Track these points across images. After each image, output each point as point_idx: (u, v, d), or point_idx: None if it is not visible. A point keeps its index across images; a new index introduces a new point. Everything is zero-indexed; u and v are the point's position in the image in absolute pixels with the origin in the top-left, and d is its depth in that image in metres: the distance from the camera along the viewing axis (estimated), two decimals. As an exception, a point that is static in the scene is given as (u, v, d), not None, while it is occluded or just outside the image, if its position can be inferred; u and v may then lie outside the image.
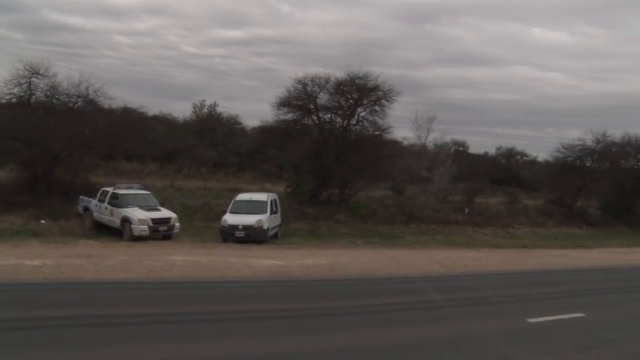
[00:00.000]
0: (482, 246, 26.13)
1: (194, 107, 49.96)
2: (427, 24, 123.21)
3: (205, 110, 49.45)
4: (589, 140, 40.12)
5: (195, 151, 41.60)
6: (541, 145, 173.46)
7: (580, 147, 40.43)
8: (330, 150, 30.22)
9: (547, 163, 46.72)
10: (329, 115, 31.66)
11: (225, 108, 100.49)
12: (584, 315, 11.89)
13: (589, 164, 41.28)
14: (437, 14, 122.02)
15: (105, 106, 27.65)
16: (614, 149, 40.86)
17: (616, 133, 41.77)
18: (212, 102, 49.99)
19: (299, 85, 30.22)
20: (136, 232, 20.55)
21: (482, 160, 58.23)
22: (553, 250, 26.34)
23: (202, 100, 49.68)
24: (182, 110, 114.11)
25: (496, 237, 30.32)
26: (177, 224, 21.99)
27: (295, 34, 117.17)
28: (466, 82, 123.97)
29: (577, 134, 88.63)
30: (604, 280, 17.92)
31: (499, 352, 8.75)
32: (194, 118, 49.49)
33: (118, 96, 29.13)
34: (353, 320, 10.38)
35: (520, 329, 10.40)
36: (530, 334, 10.11)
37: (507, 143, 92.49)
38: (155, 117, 49.00)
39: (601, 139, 40.12)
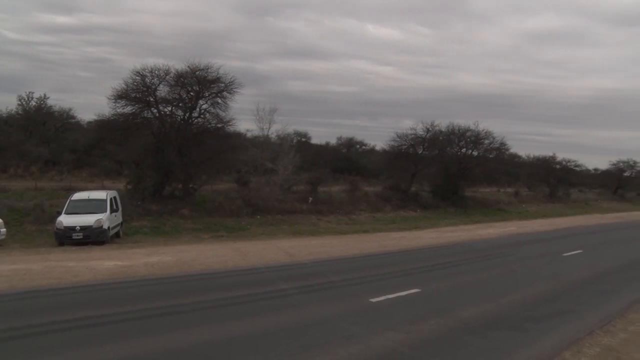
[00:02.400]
0: (327, 233, 27.05)
1: (20, 100, 46.03)
2: (268, 17, 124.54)
3: (33, 103, 45.81)
4: (420, 130, 43.82)
5: (23, 148, 38.20)
6: (378, 135, 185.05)
7: (412, 136, 43.88)
8: (172, 144, 29.30)
9: (384, 151, 49.71)
10: (170, 108, 30.65)
11: (57, 101, 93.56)
12: (419, 290, 12.95)
13: (420, 152, 44.66)
14: (279, 7, 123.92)
15: None
16: (441, 138, 44.68)
17: (443, 123, 45.90)
18: (42, 95, 46.50)
19: (137, 77, 28.82)
20: (-48, 242, 18.40)
21: (324, 150, 60.39)
22: (392, 233, 28.07)
23: (30, 92, 45.62)
24: (5, 103, 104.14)
25: (339, 223, 31.53)
26: (3, 230, 20.05)
27: (131, 23, 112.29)
28: (306, 74, 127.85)
29: (410, 124, 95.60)
30: (435, 257, 19.56)
31: (345, 332, 9.18)
32: (20, 112, 45.50)
33: None
34: (203, 316, 10.23)
35: (364, 309, 11.05)
36: (373, 312, 10.77)
37: (347, 133, 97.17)
38: (-28, 111, 44.44)
39: (430, 129, 43.93)
